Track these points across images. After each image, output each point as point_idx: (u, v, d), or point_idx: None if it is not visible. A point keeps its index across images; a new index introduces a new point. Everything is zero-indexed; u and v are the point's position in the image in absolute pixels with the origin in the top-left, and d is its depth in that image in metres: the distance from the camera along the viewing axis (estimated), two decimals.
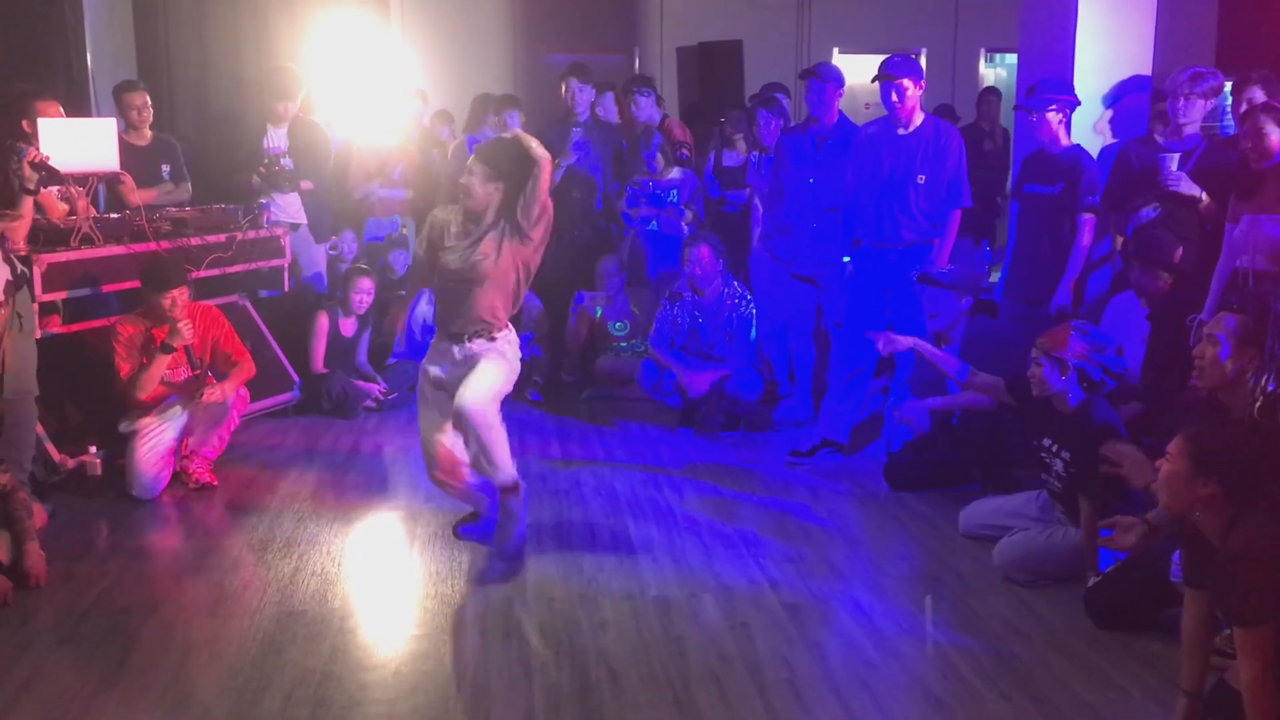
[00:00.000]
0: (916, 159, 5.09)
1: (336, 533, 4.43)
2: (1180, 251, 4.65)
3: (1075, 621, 3.60)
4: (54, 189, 5.05)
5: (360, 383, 6.31)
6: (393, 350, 6.77)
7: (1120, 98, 5.77)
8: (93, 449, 4.90)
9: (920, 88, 5.10)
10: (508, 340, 4.11)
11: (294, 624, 3.59)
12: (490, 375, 3.98)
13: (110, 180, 5.48)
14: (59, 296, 4.92)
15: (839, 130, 5.66)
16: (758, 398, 6.00)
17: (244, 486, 4.97)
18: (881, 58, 5.13)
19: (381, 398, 6.32)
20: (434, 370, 4.12)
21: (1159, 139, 5.20)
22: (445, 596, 3.84)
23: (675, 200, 6.64)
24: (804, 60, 10.19)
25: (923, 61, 10.30)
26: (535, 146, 3.87)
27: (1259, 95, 4.92)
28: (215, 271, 5.61)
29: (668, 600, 3.78)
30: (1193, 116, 5.07)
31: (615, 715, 3.06)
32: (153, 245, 5.19)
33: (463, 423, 3.89)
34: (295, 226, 6.41)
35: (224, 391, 4.90)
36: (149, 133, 6.05)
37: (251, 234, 5.79)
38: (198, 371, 4.97)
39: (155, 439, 4.81)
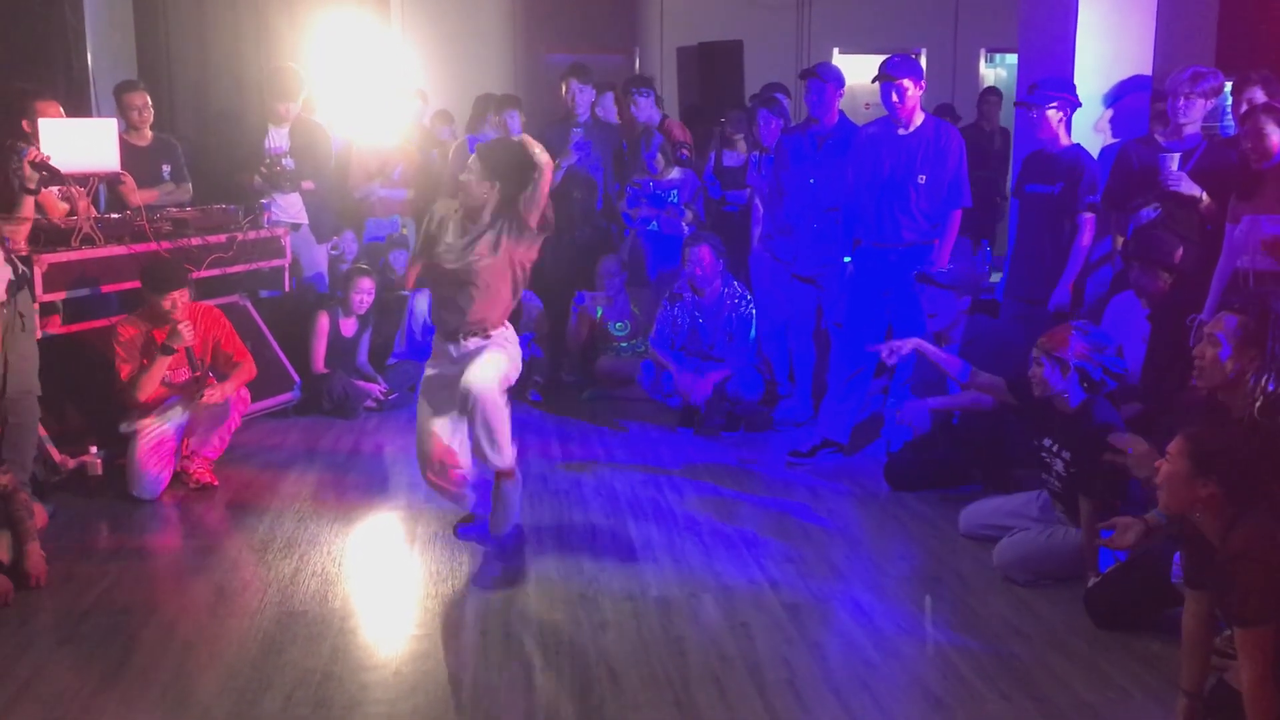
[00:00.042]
0: (917, 159, 5.09)
1: (337, 533, 4.43)
2: (1180, 251, 4.65)
3: (1075, 621, 3.60)
4: (55, 189, 5.05)
5: (361, 383, 6.31)
6: (393, 350, 6.77)
7: (1120, 97, 5.77)
8: (93, 449, 4.90)
9: (920, 88, 5.10)
10: (505, 336, 4.16)
11: (294, 624, 3.59)
12: (494, 361, 4.04)
13: (111, 180, 5.48)
14: (60, 296, 4.92)
15: (839, 130, 5.67)
16: (758, 398, 6.00)
17: (245, 487, 4.98)
18: (881, 58, 5.13)
19: (382, 398, 6.33)
20: (433, 370, 4.20)
21: (1159, 139, 5.19)
22: (445, 596, 3.84)
23: (676, 200, 6.64)
24: (804, 60, 10.18)
25: (923, 61, 10.28)
26: (539, 152, 3.92)
27: (1259, 95, 4.93)
28: (216, 272, 5.62)
29: (668, 600, 3.78)
30: (1193, 116, 5.06)
31: (615, 715, 3.06)
32: (153, 245, 5.19)
33: (469, 403, 3.93)
34: (296, 227, 6.41)
35: (225, 392, 4.90)
36: (149, 133, 6.05)
37: (252, 234, 5.80)
38: (198, 373, 4.96)
39: (156, 439, 4.81)
